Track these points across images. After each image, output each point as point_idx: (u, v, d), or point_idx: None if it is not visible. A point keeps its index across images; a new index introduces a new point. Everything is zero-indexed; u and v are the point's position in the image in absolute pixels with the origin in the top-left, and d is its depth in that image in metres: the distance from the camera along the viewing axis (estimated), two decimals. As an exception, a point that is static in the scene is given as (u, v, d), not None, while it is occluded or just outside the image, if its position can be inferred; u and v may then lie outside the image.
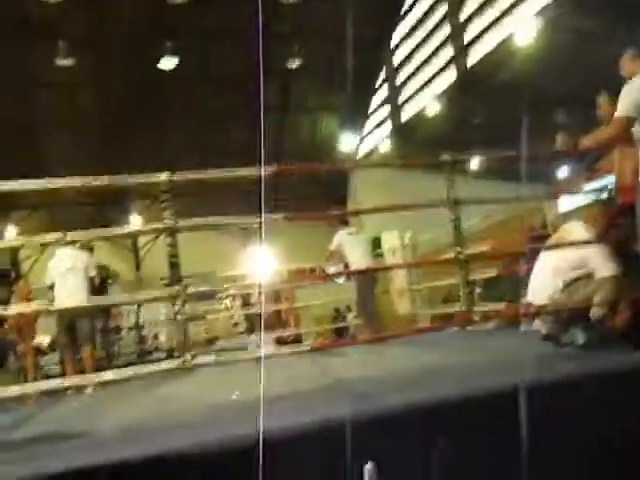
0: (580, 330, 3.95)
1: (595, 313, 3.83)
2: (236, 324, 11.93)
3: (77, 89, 21.21)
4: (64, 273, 6.12)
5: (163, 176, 3.30)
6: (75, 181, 3.66)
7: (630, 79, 3.70)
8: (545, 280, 3.91)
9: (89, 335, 6.17)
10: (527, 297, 4.11)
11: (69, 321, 6.13)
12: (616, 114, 3.62)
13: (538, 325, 4.47)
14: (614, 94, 4.11)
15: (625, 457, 2.77)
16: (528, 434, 2.70)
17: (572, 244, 3.85)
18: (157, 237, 22.58)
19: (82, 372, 5.89)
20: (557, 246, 3.92)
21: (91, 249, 7.44)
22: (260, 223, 2.92)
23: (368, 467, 2.10)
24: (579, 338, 3.96)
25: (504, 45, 18.42)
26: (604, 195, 4.65)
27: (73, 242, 5.93)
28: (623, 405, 2.87)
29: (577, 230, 3.97)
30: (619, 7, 14.88)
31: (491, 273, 7.38)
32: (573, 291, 3.85)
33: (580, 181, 5.38)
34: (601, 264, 3.74)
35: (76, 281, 6.08)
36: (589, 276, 3.83)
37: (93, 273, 6.23)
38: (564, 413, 2.75)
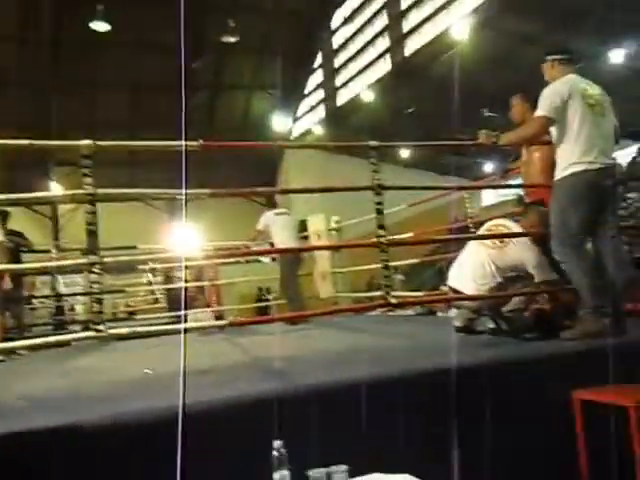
0: (490, 319, 4.14)
1: (513, 305, 4.02)
2: (156, 300, 11.73)
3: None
4: None
5: (86, 141, 3.21)
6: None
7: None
8: (476, 271, 4.02)
9: None
10: (449, 283, 4.22)
11: None
12: (536, 113, 3.77)
13: (454, 313, 4.64)
14: (531, 96, 4.31)
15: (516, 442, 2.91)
16: (433, 415, 2.80)
17: (504, 238, 3.99)
18: (79, 207, 21.94)
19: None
20: (494, 238, 4.04)
21: (5, 216, 7.14)
22: (185, 195, 2.86)
23: (277, 443, 2.11)
24: (489, 325, 4.14)
25: (439, 39, 18.76)
26: (521, 192, 4.86)
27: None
28: (520, 391, 3.01)
29: (516, 229, 4.12)
30: (550, 12, 15.45)
31: (414, 260, 7.56)
32: (505, 288, 4.03)
33: (501, 178, 5.60)
34: (540, 269, 3.95)
35: None
36: (523, 276, 4.03)
37: None
38: (465, 396, 2.86)
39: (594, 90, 3.84)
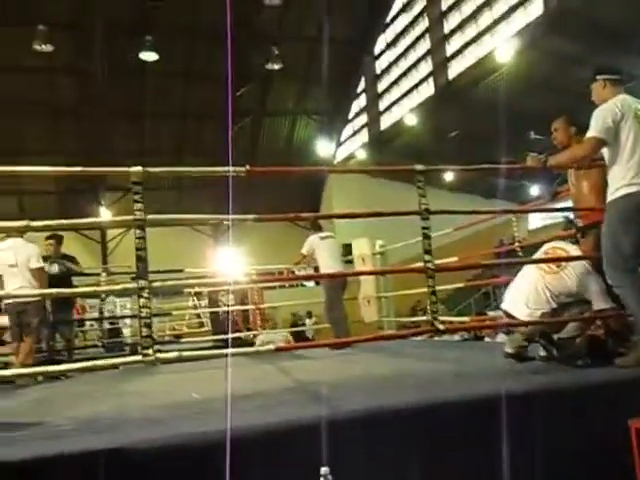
0: (541, 345, 4.03)
1: (567, 332, 3.91)
2: (201, 323, 11.84)
3: (55, 75, 20.95)
4: (6, 267, 6.05)
5: (136, 168, 3.28)
6: (47, 170, 3.62)
7: (599, 104, 3.79)
8: (530, 296, 3.92)
9: (32, 328, 6.08)
10: (503, 306, 4.12)
11: (16, 314, 6.08)
12: (588, 134, 3.69)
13: (502, 338, 4.54)
14: (574, 118, 4.22)
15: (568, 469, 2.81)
16: (484, 443, 2.73)
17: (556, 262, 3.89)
18: (127, 231, 22.48)
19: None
20: (550, 262, 3.94)
21: (60, 240, 7.35)
22: (230, 221, 2.88)
23: (324, 470, 2.09)
24: (540, 352, 4.04)
25: (483, 61, 18.69)
26: (570, 215, 4.75)
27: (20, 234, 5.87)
28: (574, 420, 2.92)
29: (574, 253, 4.01)
30: (595, 33, 15.24)
31: (458, 285, 7.45)
32: (560, 314, 3.91)
33: (547, 201, 5.48)
34: (599, 296, 3.83)
35: (18, 274, 6.01)
36: (580, 302, 3.91)
37: (36, 265, 6.09)
38: (519, 424, 2.79)
39: None
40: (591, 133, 3.67)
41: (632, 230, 3.59)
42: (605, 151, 3.74)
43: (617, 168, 3.68)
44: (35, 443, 2.63)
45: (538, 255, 4.16)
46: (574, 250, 4.02)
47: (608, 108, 3.69)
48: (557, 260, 3.89)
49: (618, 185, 3.66)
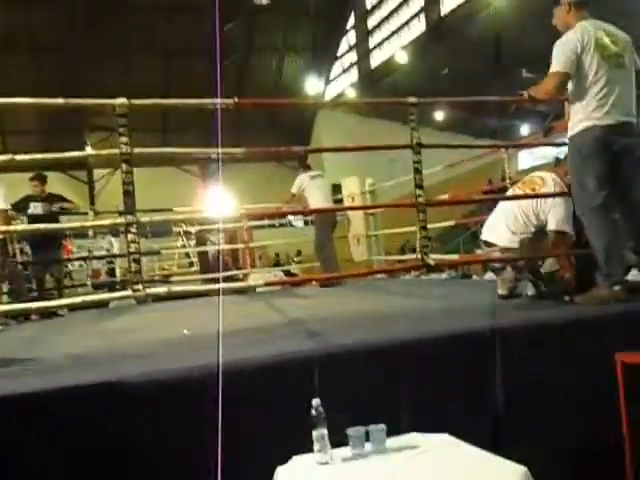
0: (530, 282, 4.06)
1: (545, 268, 3.94)
2: (191, 263, 11.84)
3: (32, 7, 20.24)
4: None
5: (120, 100, 3.19)
6: (28, 102, 3.53)
7: (564, 32, 3.64)
8: (509, 222, 3.95)
9: None
10: (483, 237, 4.15)
11: None
12: (552, 68, 3.57)
13: (491, 277, 4.57)
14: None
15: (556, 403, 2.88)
16: (472, 377, 2.78)
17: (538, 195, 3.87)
18: (113, 172, 22.23)
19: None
20: (526, 195, 3.93)
21: (43, 179, 7.24)
22: (219, 155, 2.82)
23: (315, 402, 2.11)
24: (528, 290, 4.07)
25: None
26: (561, 154, 4.70)
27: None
28: (561, 354, 2.97)
29: (551, 179, 3.98)
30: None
31: (449, 223, 7.47)
32: (539, 241, 3.92)
33: (539, 139, 5.42)
34: (560, 220, 3.79)
35: None
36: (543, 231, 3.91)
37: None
38: (506, 358, 2.83)
39: (612, 37, 3.58)
40: (554, 68, 3.54)
41: (592, 166, 3.50)
42: (569, 84, 3.65)
43: (577, 102, 3.59)
44: (29, 378, 2.66)
45: (519, 184, 4.17)
46: (550, 176, 4.00)
47: (568, 40, 3.55)
48: (545, 196, 3.85)
49: (577, 119, 3.57)
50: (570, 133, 3.64)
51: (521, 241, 3.88)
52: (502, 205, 4.12)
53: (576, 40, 3.53)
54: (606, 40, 3.56)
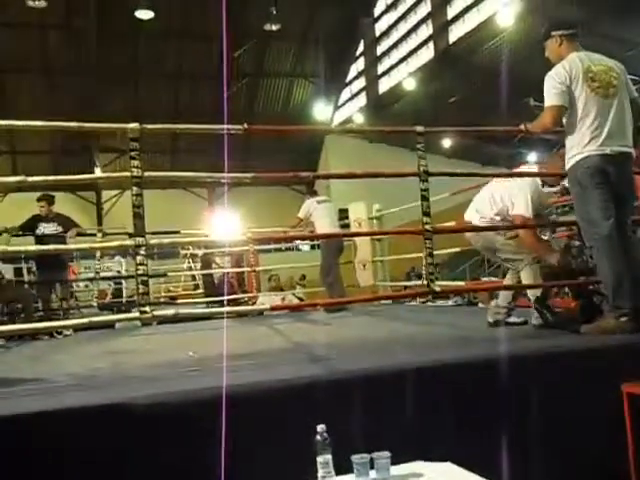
0: (537, 311, 4.06)
1: (525, 260, 4.08)
2: (197, 286, 11.86)
3: (48, 32, 20.58)
4: None
5: (133, 124, 3.24)
6: (42, 124, 3.59)
7: (557, 63, 3.67)
8: (479, 201, 4.32)
9: None
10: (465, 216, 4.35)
11: None
12: (546, 103, 3.59)
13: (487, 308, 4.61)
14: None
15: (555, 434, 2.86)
16: (476, 405, 2.76)
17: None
18: (122, 193, 22.37)
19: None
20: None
21: (51, 201, 7.30)
22: (226, 179, 2.85)
23: (320, 428, 2.11)
24: (534, 320, 4.07)
25: (484, 26, 18.41)
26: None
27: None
28: (567, 384, 2.95)
29: (534, 168, 4.11)
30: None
31: (455, 250, 7.45)
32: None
33: (542, 166, 5.45)
34: (522, 204, 4.03)
35: None
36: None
37: None
38: (510, 388, 2.82)
39: (601, 67, 3.59)
40: (548, 102, 3.57)
41: (592, 194, 3.50)
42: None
43: (571, 135, 3.60)
44: (33, 398, 2.66)
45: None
46: (535, 167, 4.11)
47: (557, 74, 3.57)
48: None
49: (573, 152, 3.59)
50: (567, 166, 3.66)
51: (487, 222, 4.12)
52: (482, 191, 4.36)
53: (565, 72, 3.55)
54: (596, 70, 3.56)
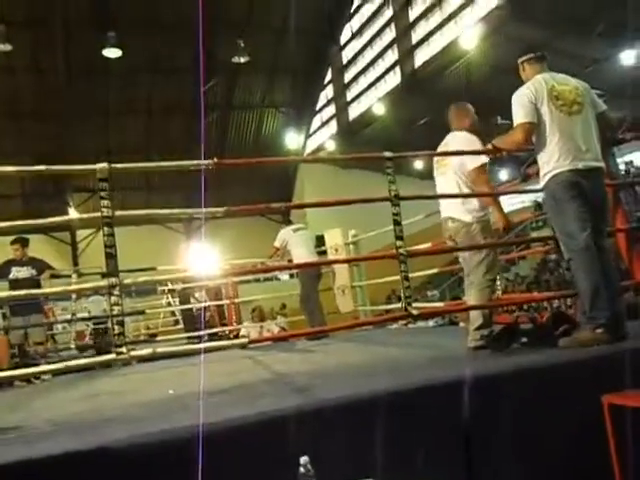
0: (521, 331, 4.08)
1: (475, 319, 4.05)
2: (176, 322, 11.75)
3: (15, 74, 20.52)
4: None
5: (101, 165, 3.23)
6: (10, 170, 3.55)
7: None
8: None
9: None
10: (445, 214, 4.30)
11: None
12: (516, 121, 3.70)
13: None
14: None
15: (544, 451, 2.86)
16: (461, 427, 2.76)
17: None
18: (97, 231, 22.21)
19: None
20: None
21: (25, 243, 7.22)
22: (203, 214, 2.85)
23: (303, 460, 2.09)
24: (469, 342, 4.09)
25: (448, 49, 18.80)
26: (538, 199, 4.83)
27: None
28: (548, 400, 2.96)
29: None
30: (559, 18, 15.43)
31: (433, 271, 7.50)
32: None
33: (519, 182, 5.54)
34: (466, 160, 4.16)
35: None
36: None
37: None
38: (490, 406, 2.82)
39: (565, 87, 3.72)
40: (518, 119, 3.68)
41: (568, 208, 3.58)
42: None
43: (542, 154, 3.70)
44: (12, 447, 2.59)
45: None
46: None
47: (522, 94, 3.72)
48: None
49: (545, 170, 3.68)
50: (542, 183, 3.75)
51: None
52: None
53: (530, 92, 3.69)
54: (560, 89, 3.69)
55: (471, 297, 4.14)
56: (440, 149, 4.35)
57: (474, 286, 4.11)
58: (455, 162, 4.20)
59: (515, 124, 3.73)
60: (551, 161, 3.64)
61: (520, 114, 3.68)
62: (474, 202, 4.18)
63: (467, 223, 4.14)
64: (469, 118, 4.45)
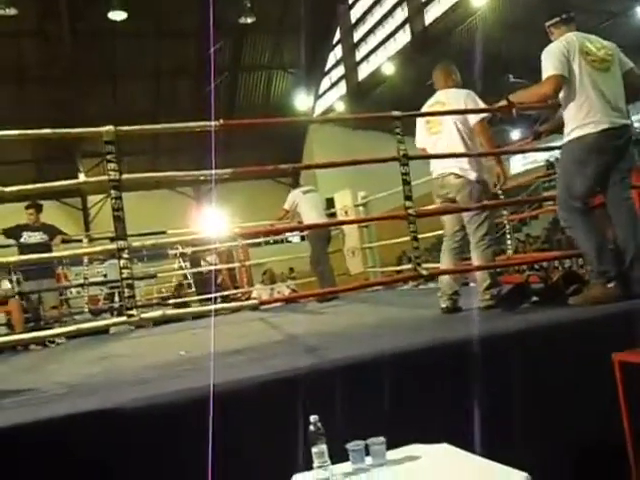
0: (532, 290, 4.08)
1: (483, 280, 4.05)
2: (188, 285, 11.83)
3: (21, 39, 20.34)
4: None
5: (107, 127, 3.21)
6: (15, 134, 3.54)
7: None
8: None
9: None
10: (449, 170, 4.22)
11: None
12: (546, 73, 3.63)
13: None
14: None
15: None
16: (470, 384, 2.77)
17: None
18: (108, 197, 22.21)
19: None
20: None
21: (39, 208, 7.25)
22: (213, 175, 2.84)
23: (313, 418, 2.11)
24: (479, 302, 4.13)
25: (459, 6, 18.39)
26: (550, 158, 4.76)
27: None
28: (557, 357, 2.96)
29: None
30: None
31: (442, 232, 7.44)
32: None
33: (531, 141, 5.46)
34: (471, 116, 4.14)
35: None
36: None
37: None
38: (501, 364, 2.83)
39: (596, 45, 3.68)
40: (549, 72, 3.60)
41: (584, 172, 3.57)
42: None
43: (569, 108, 3.65)
44: (26, 408, 2.64)
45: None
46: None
47: (554, 47, 3.66)
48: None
49: (572, 127, 3.63)
50: (565, 139, 3.69)
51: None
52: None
53: (562, 47, 3.63)
54: (590, 47, 3.65)
55: (475, 258, 4.13)
56: (432, 108, 4.30)
57: (477, 247, 4.10)
58: (455, 119, 4.17)
59: (544, 76, 3.65)
60: (577, 118, 3.59)
61: (551, 67, 3.62)
62: (477, 160, 4.15)
63: (470, 180, 4.10)
64: (454, 78, 4.42)
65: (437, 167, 4.28)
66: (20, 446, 2.22)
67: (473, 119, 4.13)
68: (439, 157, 4.19)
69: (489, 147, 4.27)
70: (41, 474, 2.22)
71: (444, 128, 4.20)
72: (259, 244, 16.85)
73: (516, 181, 10.27)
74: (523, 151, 7.22)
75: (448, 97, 4.27)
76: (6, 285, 6.60)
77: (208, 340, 4.39)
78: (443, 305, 4.23)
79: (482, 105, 4.15)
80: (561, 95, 3.69)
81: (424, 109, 4.37)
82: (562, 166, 3.78)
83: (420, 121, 4.40)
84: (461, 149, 4.13)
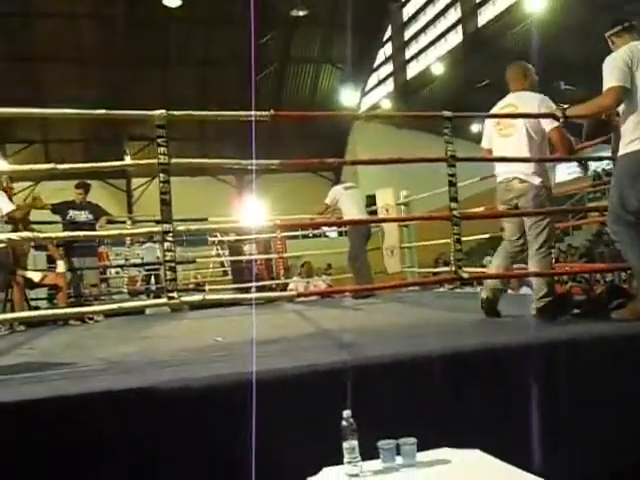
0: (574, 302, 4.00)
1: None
2: (225, 272, 11.95)
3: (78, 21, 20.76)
4: None
5: (159, 111, 3.26)
6: (70, 112, 3.62)
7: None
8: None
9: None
10: (513, 175, 4.10)
11: None
12: (608, 84, 3.53)
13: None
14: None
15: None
16: (506, 392, 2.74)
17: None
18: (151, 180, 22.61)
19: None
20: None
21: (87, 188, 7.40)
22: (253, 165, 2.85)
23: (346, 413, 2.11)
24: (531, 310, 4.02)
25: (514, 8, 18.08)
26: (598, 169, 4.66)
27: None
28: (600, 370, 2.90)
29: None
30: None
31: (484, 236, 7.37)
32: None
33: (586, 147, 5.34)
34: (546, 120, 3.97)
35: None
36: None
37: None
38: (541, 374, 2.79)
39: None
40: (611, 83, 3.49)
41: (638, 186, 3.47)
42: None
43: (629, 120, 3.54)
44: (68, 381, 2.71)
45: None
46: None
47: (617, 56, 3.54)
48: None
49: (630, 138, 3.53)
50: (622, 151, 3.60)
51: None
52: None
53: (626, 56, 3.51)
54: None
55: (533, 265, 4.03)
56: (504, 111, 4.19)
57: (536, 254, 3.98)
58: (527, 123, 4.03)
59: (606, 87, 3.55)
60: (637, 130, 3.50)
61: (612, 77, 3.51)
62: (542, 165, 4.05)
63: (536, 186, 3.99)
64: (529, 79, 4.25)
65: (502, 171, 4.18)
66: (63, 415, 2.28)
67: (548, 125, 3.99)
68: (488, 160, 4.14)
69: (565, 154, 4.15)
70: (79, 443, 2.27)
71: (515, 131, 4.09)
72: (296, 237, 16.91)
73: (563, 190, 10.06)
74: (568, 159, 7.04)
75: (521, 100, 4.13)
76: (62, 267, 6.75)
77: (243, 327, 4.43)
78: (484, 295, 4.14)
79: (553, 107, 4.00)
80: (621, 107, 3.60)
81: (494, 110, 4.24)
82: (616, 178, 3.68)
83: (490, 122, 4.30)
84: (528, 154, 4.04)
